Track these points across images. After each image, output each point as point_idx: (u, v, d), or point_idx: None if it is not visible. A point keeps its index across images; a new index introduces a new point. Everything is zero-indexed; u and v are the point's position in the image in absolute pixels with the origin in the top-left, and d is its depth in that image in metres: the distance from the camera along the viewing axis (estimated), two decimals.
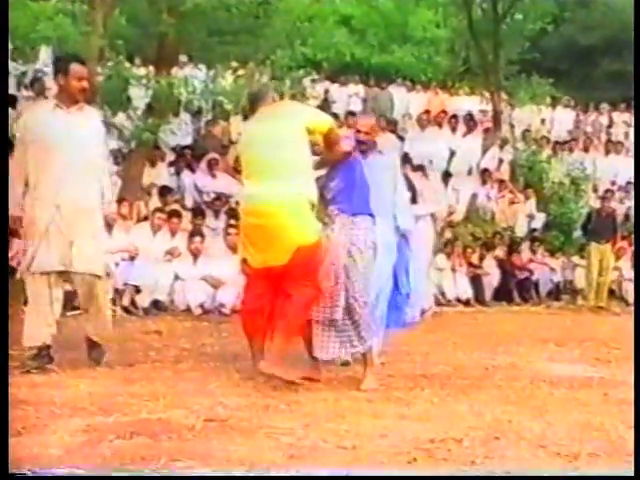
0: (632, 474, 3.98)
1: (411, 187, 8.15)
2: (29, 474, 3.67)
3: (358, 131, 6.89)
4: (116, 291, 10.37)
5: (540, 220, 16.00)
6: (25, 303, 6.46)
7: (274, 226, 5.97)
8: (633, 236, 14.32)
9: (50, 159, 6.04)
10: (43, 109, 6.33)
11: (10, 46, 12.55)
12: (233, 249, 11.33)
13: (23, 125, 6.22)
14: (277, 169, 6.00)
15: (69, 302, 9.91)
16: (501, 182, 16.22)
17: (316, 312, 6.15)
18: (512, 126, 19.03)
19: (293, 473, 3.87)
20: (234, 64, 15.88)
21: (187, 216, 12.19)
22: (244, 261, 6.25)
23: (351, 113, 17.57)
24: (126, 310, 10.28)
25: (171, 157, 14.29)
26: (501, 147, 17.33)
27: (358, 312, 6.18)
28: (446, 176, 15.84)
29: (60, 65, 6.31)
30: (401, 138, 16.85)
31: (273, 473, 3.85)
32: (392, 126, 17.02)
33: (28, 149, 6.05)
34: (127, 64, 13.94)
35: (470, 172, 16.53)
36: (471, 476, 4.02)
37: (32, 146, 6.05)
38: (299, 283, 5.97)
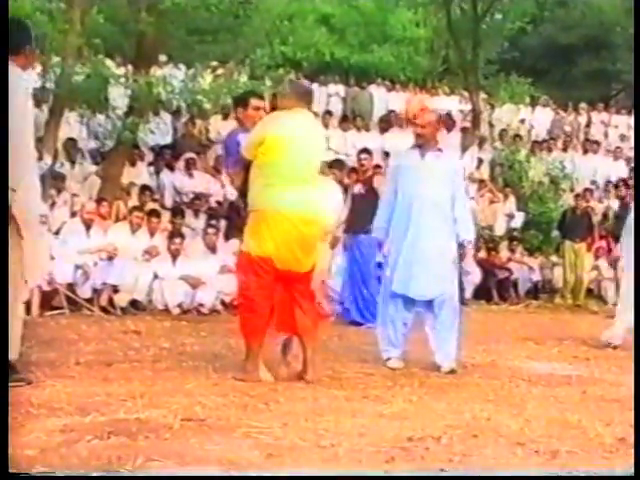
0: (632, 474, 4.00)
1: None
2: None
3: (415, 125, 6.87)
4: (94, 291, 10.35)
5: (519, 219, 16.04)
6: None
7: (314, 235, 6.11)
8: (628, 235, 14.18)
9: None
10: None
11: None
12: (212, 249, 11.32)
13: None
14: (313, 180, 6.12)
15: (47, 302, 9.96)
16: (481, 181, 16.27)
17: None
18: (492, 125, 19.10)
19: (271, 472, 3.85)
20: (213, 63, 15.87)
21: (166, 215, 12.16)
22: (263, 260, 6.01)
23: (328, 112, 17.60)
24: (104, 310, 10.24)
25: (150, 156, 14.25)
26: (480, 146, 17.37)
27: None
28: None
29: None
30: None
31: (251, 473, 3.83)
32: (385, 124, 17.15)
33: None
34: (106, 62, 13.89)
35: None
36: (459, 476, 4.03)
37: None
38: (311, 297, 6.23)
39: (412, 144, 7.05)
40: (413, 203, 6.85)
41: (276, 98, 6.45)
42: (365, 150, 10.92)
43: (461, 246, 6.96)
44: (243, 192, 6.29)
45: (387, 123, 17.38)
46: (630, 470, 4.01)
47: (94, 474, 3.72)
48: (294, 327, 6.17)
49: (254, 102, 6.58)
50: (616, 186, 14.42)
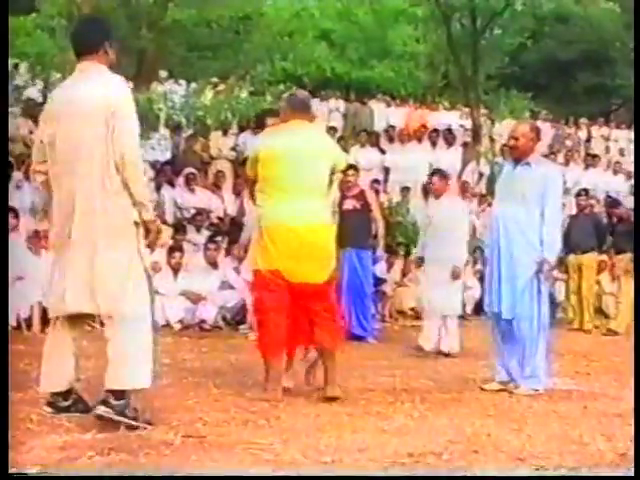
0: (632, 474, 4.00)
1: None
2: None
3: (510, 137, 6.79)
4: None
5: None
6: None
7: (323, 243, 6.08)
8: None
9: None
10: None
11: None
12: (213, 265, 11.33)
13: None
14: (315, 191, 6.06)
15: (48, 318, 9.94)
16: (481, 196, 16.26)
17: None
18: (492, 140, 19.11)
19: None
20: (214, 79, 15.90)
21: (168, 231, 12.16)
22: (272, 273, 6.00)
23: (332, 128, 17.60)
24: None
25: (151, 173, 14.25)
26: (479, 161, 17.38)
27: None
28: (426, 191, 15.87)
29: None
30: (382, 151, 16.91)
31: None
32: (374, 139, 17.09)
33: None
34: None
35: None
36: (463, 476, 4.02)
37: None
38: (332, 311, 6.17)
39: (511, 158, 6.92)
40: (499, 219, 6.67)
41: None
42: (351, 166, 10.81)
43: (543, 263, 6.61)
44: None
45: (377, 137, 17.37)
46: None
47: (93, 474, 3.72)
48: (313, 341, 6.18)
49: (269, 120, 6.71)
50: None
